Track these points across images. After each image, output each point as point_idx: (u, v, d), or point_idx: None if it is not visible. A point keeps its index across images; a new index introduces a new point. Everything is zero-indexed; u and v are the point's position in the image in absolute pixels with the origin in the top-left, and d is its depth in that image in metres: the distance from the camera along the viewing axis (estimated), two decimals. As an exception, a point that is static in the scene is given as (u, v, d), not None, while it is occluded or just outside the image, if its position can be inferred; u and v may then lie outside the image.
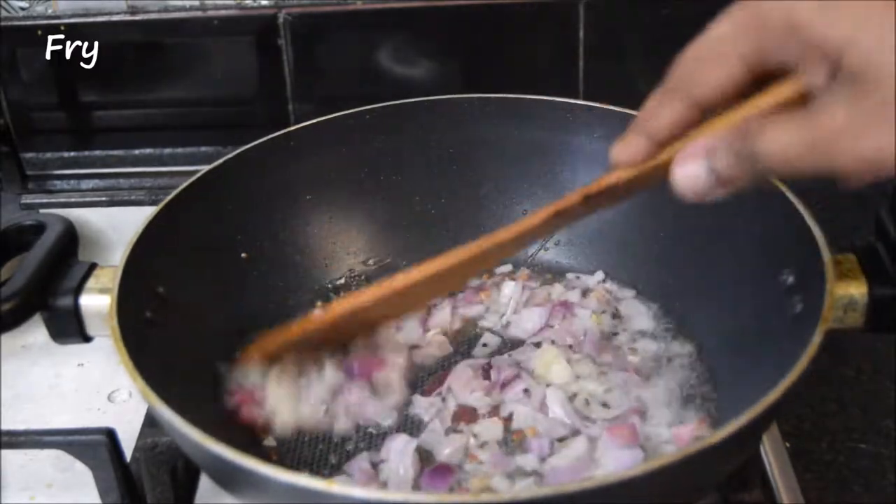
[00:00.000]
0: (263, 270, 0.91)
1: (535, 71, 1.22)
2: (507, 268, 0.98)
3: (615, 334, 0.88)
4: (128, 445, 0.78)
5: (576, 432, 0.77)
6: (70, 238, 0.79)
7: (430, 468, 0.74)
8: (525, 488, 0.72)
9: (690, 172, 0.59)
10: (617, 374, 0.82)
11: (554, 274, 0.97)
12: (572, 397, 0.80)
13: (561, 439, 0.76)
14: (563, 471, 0.73)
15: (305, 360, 0.79)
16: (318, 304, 0.93)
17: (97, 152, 1.28)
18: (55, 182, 1.24)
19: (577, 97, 1.04)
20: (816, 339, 0.64)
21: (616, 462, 0.73)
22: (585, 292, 0.93)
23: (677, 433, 0.76)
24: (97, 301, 0.74)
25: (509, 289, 0.93)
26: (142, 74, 1.23)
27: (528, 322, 0.89)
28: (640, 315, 0.90)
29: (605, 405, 0.79)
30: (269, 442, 0.79)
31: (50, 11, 1.19)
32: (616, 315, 0.90)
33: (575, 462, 0.74)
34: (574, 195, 0.70)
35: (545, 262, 0.99)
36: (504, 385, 0.81)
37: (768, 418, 0.64)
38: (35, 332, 0.89)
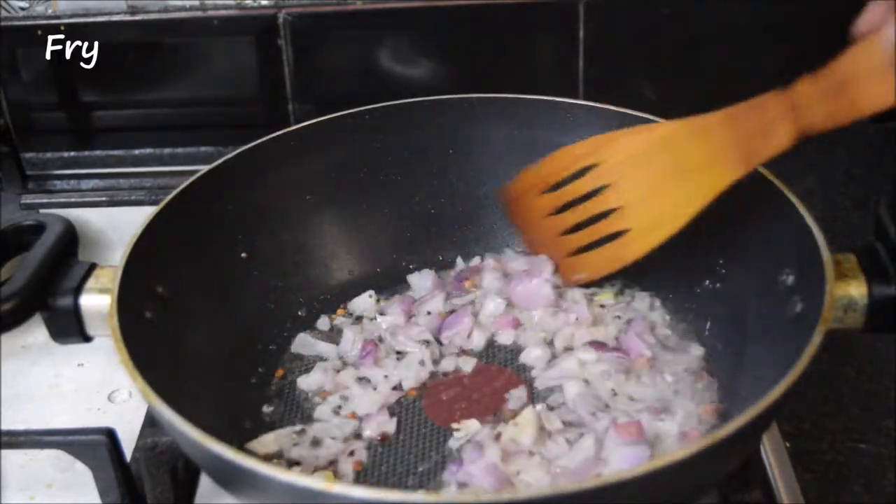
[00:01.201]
0: (263, 270, 0.91)
1: (535, 71, 1.22)
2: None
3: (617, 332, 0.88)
4: (128, 445, 0.78)
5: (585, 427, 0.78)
6: (70, 238, 0.79)
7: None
8: (525, 488, 0.72)
9: None
10: (620, 371, 0.82)
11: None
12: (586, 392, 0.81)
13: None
14: (572, 470, 0.74)
15: None
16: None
17: (97, 152, 1.28)
18: (55, 182, 1.24)
19: (577, 97, 1.04)
20: (816, 339, 0.64)
21: (622, 459, 0.73)
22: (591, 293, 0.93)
23: (680, 431, 0.76)
24: (97, 301, 0.74)
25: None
26: (142, 74, 1.23)
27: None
28: (641, 314, 0.90)
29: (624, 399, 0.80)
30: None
31: (50, 11, 1.19)
32: (618, 316, 0.90)
33: (583, 461, 0.74)
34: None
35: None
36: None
37: (768, 418, 0.64)
38: (35, 332, 0.90)
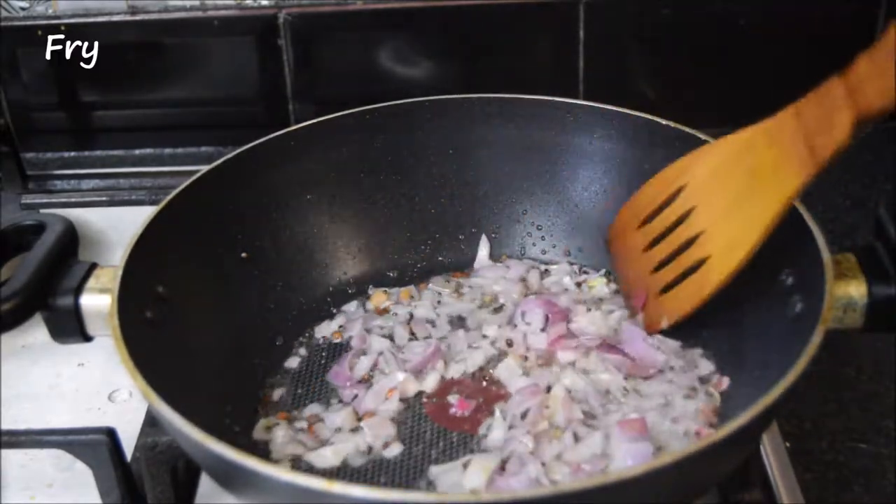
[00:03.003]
0: (263, 270, 0.91)
1: (535, 71, 1.22)
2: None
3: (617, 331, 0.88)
4: (128, 445, 0.78)
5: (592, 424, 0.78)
6: (70, 238, 0.79)
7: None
8: (525, 488, 0.72)
9: None
10: (619, 371, 0.83)
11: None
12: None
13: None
14: (578, 467, 0.74)
15: None
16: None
17: (97, 152, 1.28)
18: (55, 182, 1.24)
19: (577, 97, 1.04)
20: (816, 339, 0.64)
21: (626, 455, 0.73)
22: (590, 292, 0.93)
23: (685, 430, 0.76)
24: (97, 301, 0.74)
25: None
26: (142, 74, 1.23)
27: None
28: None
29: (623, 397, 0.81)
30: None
31: (50, 11, 1.19)
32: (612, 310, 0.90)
33: (590, 458, 0.74)
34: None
35: (545, 259, 0.99)
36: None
37: (768, 418, 0.64)
38: (35, 332, 0.90)
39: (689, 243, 0.79)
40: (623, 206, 0.87)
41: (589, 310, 0.89)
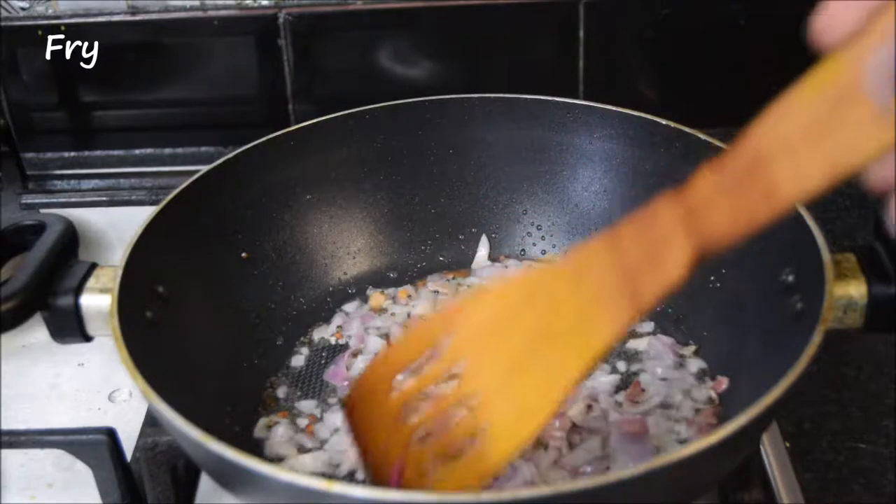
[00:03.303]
0: (263, 270, 0.91)
1: (535, 71, 1.22)
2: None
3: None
4: (128, 445, 0.78)
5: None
6: (70, 238, 0.79)
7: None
8: (525, 488, 0.72)
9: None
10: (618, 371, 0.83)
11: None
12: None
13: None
14: (578, 468, 0.74)
15: None
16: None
17: (97, 152, 1.28)
18: (55, 182, 1.24)
19: (577, 97, 1.04)
20: (816, 338, 0.64)
21: (627, 456, 0.73)
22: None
23: (683, 430, 0.76)
24: (98, 301, 0.74)
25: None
26: (142, 74, 1.23)
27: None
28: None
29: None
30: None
31: (50, 11, 1.19)
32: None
33: (591, 459, 0.74)
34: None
35: (544, 259, 0.99)
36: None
37: (768, 418, 0.64)
38: (35, 332, 0.89)
39: (458, 406, 0.62)
40: (366, 369, 0.68)
41: None
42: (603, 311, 0.56)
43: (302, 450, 0.79)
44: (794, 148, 0.47)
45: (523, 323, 0.59)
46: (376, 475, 0.65)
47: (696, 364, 0.84)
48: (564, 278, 0.57)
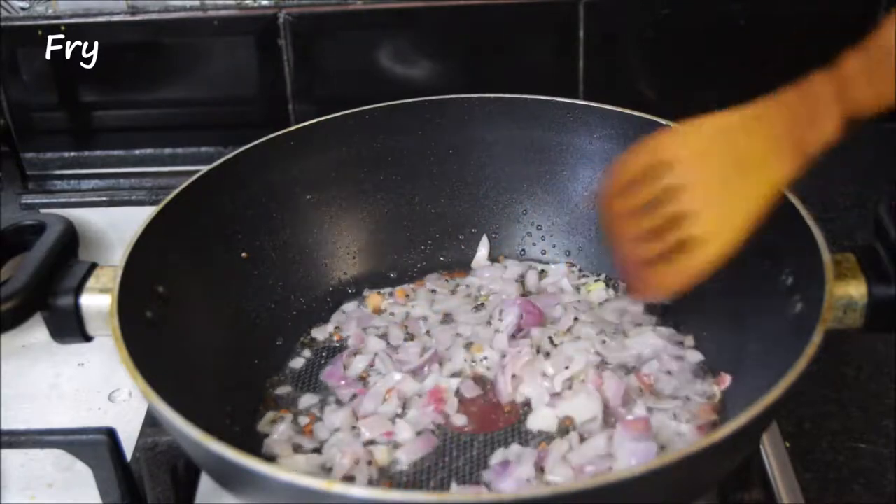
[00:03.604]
0: (263, 270, 0.91)
1: (535, 71, 1.22)
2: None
3: (618, 332, 0.88)
4: (128, 445, 0.78)
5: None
6: (70, 238, 0.79)
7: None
8: (525, 488, 0.72)
9: None
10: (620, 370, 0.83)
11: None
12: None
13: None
14: (583, 466, 0.74)
15: None
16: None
17: (97, 152, 1.28)
18: (55, 182, 1.24)
19: (577, 97, 1.04)
20: (816, 339, 0.64)
21: (630, 455, 0.73)
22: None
23: (684, 429, 0.76)
24: (98, 301, 0.74)
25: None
26: (142, 74, 1.23)
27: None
28: (640, 314, 0.90)
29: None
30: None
31: (50, 11, 1.19)
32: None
33: (595, 458, 0.74)
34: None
35: (544, 259, 0.99)
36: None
37: (768, 418, 0.64)
38: (35, 332, 0.89)
39: (675, 220, 0.77)
40: (612, 168, 0.83)
41: (578, 338, 0.87)
42: (779, 155, 0.70)
43: (298, 450, 0.79)
44: None
45: (724, 155, 0.73)
46: (619, 260, 0.82)
47: (697, 360, 0.84)
48: (748, 124, 0.72)
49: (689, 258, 0.76)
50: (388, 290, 0.96)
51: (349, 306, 0.95)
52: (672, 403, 0.79)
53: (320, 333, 0.92)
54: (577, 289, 0.94)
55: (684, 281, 0.78)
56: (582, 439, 0.77)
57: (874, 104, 0.63)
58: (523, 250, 1.00)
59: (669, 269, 0.77)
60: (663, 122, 0.90)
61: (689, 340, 0.86)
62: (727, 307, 0.83)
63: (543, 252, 0.99)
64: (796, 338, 0.65)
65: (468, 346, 0.87)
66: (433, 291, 0.95)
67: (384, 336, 0.90)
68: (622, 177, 0.80)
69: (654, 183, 0.77)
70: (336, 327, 0.92)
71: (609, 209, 0.82)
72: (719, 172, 0.74)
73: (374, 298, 0.95)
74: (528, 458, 0.75)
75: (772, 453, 0.78)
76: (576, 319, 0.88)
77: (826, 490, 0.78)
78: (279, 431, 0.80)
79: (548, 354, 0.84)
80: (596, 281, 0.95)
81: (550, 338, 0.86)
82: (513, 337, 0.87)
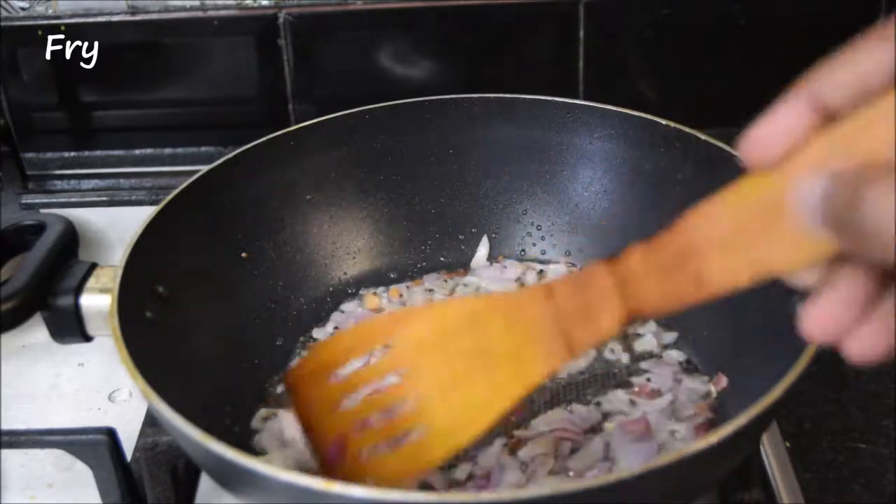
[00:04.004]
0: (263, 270, 0.91)
1: (535, 71, 1.22)
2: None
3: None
4: (128, 445, 0.78)
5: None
6: (70, 238, 0.79)
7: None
8: (525, 488, 0.72)
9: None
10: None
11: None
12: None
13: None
14: (581, 471, 0.74)
15: None
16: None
17: (97, 152, 1.28)
18: (55, 182, 1.24)
19: (577, 97, 1.04)
20: (816, 338, 0.64)
21: (631, 456, 0.74)
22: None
23: (683, 429, 0.76)
24: (98, 301, 0.74)
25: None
26: (142, 74, 1.23)
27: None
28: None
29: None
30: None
31: (50, 11, 1.19)
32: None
33: (592, 463, 0.74)
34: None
35: (544, 259, 0.99)
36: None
37: (768, 418, 0.64)
38: (35, 332, 0.89)
39: (399, 405, 0.65)
40: (307, 353, 0.78)
41: None
42: (537, 349, 0.60)
43: (288, 445, 0.79)
44: (723, 246, 0.50)
45: (463, 343, 0.62)
46: (318, 454, 0.68)
47: (694, 363, 0.84)
48: (503, 312, 0.61)
49: (417, 451, 0.64)
50: (382, 289, 0.96)
51: (348, 306, 0.95)
52: (665, 401, 0.80)
53: (321, 333, 0.92)
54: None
55: (414, 473, 0.66)
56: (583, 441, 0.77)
57: (666, 304, 0.54)
58: (523, 250, 1.00)
59: (392, 460, 0.65)
60: (663, 122, 0.90)
61: (671, 336, 0.87)
62: (726, 307, 0.82)
63: (543, 252, 0.99)
64: (796, 338, 0.65)
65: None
66: (430, 290, 0.95)
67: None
68: (327, 357, 0.68)
69: (369, 370, 0.66)
70: (335, 327, 0.92)
71: (306, 394, 0.69)
72: (454, 362, 0.63)
73: (371, 299, 0.95)
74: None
75: (772, 453, 0.78)
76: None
77: (826, 490, 0.78)
78: (269, 427, 0.80)
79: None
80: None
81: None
82: None
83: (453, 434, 0.63)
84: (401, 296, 0.95)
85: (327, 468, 0.66)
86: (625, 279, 0.56)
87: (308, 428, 0.68)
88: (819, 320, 0.49)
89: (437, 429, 0.63)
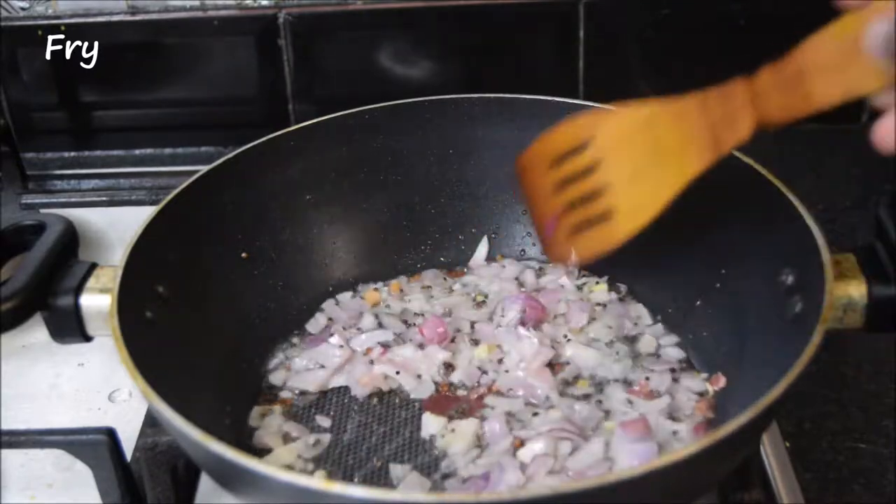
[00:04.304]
0: (263, 270, 0.91)
1: (535, 71, 1.22)
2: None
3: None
4: (128, 445, 0.78)
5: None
6: (70, 238, 0.79)
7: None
8: (525, 488, 0.72)
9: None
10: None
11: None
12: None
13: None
14: (581, 472, 0.74)
15: None
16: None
17: (97, 152, 1.28)
18: (55, 182, 1.24)
19: (577, 97, 1.04)
20: (816, 339, 0.64)
21: (631, 456, 0.74)
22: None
23: (682, 429, 0.76)
24: (98, 301, 0.74)
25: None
26: (142, 74, 1.23)
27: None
28: (640, 315, 0.90)
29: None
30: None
31: (50, 11, 1.19)
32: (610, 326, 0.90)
33: (592, 463, 0.74)
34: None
35: (544, 258, 0.99)
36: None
37: (768, 418, 0.64)
38: (35, 332, 0.89)
39: (595, 192, 0.81)
40: (534, 142, 0.87)
41: (588, 345, 0.87)
42: (694, 147, 0.74)
43: (288, 440, 0.79)
44: (824, 70, 0.66)
45: (644, 138, 0.78)
46: (540, 233, 0.87)
47: (693, 363, 0.84)
48: (673, 115, 0.76)
49: (609, 229, 0.81)
50: (381, 283, 0.97)
51: (344, 296, 0.95)
52: (665, 401, 0.80)
53: (312, 328, 0.92)
54: (580, 288, 0.94)
55: (604, 249, 0.82)
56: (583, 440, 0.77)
57: (784, 116, 0.69)
58: (523, 250, 1.00)
59: (591, 237, 0.82)
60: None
61: (670, 337, 0.87)
62: (727, 307, 0.83)
63: (543, 252, 0.99)
64: (796, 338, 0.65)
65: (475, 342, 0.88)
66: (428, 287, 0.96)
67: (380, 325, 0.91)
68: (547, 148, 0.84)
69: (578, 157, 0.82)
70: (329, 319, 0.92)
71: (532, 179, 0.86)
72: (639, 157, 0.78)
73: (371, 294, 0.95)
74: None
75: (772, 453, 0.78)
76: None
77: (826, 490, 0.78)
78: (267, 424, 0.81)
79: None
80: (598, 283, 0.95)
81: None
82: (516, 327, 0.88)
83: (634, 216, 0.78)
84: (401, 290, 0.95)
85: (546, 245, 0.87)
86: (757, 94, 0.70)
87: (532, 207, 0.87)
88: (888, 132, 0.64)
89: (623, 211, 0.79)
